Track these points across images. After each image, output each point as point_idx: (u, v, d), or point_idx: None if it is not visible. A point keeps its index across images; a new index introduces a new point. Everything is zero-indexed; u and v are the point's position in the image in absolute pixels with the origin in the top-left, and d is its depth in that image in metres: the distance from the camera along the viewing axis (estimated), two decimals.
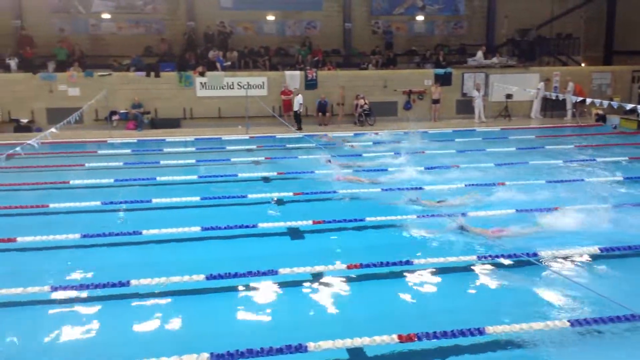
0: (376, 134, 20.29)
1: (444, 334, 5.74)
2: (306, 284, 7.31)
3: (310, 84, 23.30)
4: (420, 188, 11.69)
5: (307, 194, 11.59)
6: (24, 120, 21.31)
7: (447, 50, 27.11)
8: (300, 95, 22.08)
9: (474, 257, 7.96)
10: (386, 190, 11.77)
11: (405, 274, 7.60)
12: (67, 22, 24.58)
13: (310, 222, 9.62)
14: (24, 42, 23.04)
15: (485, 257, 7.95)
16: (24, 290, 6.82)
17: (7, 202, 10.89)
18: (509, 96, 23.69)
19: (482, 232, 8.92)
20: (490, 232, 8.92)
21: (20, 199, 11.31)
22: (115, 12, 24.97)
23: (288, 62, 25.11)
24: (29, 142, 12.07)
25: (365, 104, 22.86)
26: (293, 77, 23.16)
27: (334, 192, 11.72)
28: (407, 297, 7.09)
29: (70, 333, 6.15)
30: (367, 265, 7.61)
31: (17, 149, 11.45)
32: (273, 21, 26.51)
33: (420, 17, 27.87)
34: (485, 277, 7.55)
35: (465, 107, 24.41)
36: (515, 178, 12.64)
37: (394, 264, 7.70)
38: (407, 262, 7.74)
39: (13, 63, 22.14)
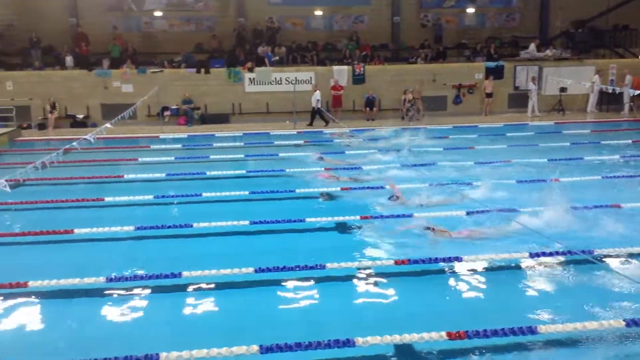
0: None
1: (495, 332, 5.63)
2: (353, 279, 7.30)
3: (357, 79, 23.21)
4: (469, 183, 11.52)
5: (354, 189, 11.56)
6: (80, 116, 22.03)
7: (499, 43, 26.53)
8: (318, 91, 21.90)
9: (524, 254, 7.77)
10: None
11: (454, 270, 7.49)
12: (120, 20, 25.25)
13: (358, 217, 9.60)
14: (79, 40, 23.79)
15: (538, 254, 7.75)
16: (81, 281, 7.06)
17: (65, 195, 11.26)
18: (563, 90, 23.01)
19: (448, 233, 8.63)
20: (458, 233, 8.67)
21: (77, 193, 11.68)
22: (167, 10, 25.48)
23: (336, 57, 25.09)
24: (85, 137, 12.49)
25: (414, 98, 22.62)
26: (340, 72, 23.13)
27: (381, 187, 11.64)
28: (457, 293, 6.99)
29: (123, 323, 6.34)
30: (415, 262, 7.54)
31: (74, 143, 11.87)
32: (321, 16, 26.52)
33: (471, 10, 27.36)
34: (538, 275, 7.37)
35: (517, 101, 23.86)
36: (569, 174, 12.27)
37: (442, 260, 7.60)
38: (457, 259, 7.63)
39: (69, 60, 22.90)
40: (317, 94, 21.76)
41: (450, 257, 7.65)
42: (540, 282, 7.23)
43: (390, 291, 7.05)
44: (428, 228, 8.62)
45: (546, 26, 27.15)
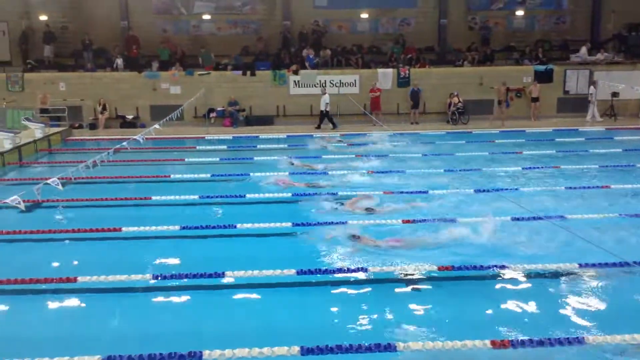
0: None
1: (541, 342, 5.49)
2: (396, 284, 7.24)
3: (402, 82, 23.08)
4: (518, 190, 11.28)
5: (398, 192, 11.48)
6: (129, 117, 22.60)
7: (548, 46, 25.92)
8: (327, 94, 21.81)
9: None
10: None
11: (500, 276, 7.35)
12: (169, 24, 25.78)
13: (400, 221, 9.53)
14: (130, 43, 24.41)
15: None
16: (128, 278, 7.23)
17: (114, 193, 11.57)
18: (614, 94, 22.31)
19: (375, 243, 8.44)
20: (384, 242, 8.45)
21: (126, 191, 11.97)
22: (215, 13, 25.88)
23: (381, 59, 24.99)
24: (134, 137, 12.80)
25: (460, 102, 22.32)
26: (385, 75, 23.04)
27: (427, 192, 11.51)
28: (500, 302, 6.86)
29: (167, 320, 6.45)
30: (459, 268, 7.43)
31: (124, 143, 12.19)
32: (367, 19, 26.46)
33: (520, 12, 26.82)
34: (590, 284, 7.17)
35: (567, 105, 23.28)
36: (622, 181, 11.90)
37: (487, 267, 7.46)
38: (502, 267, 7.48)
39: (120, 62, 23.54)
40: (327, 97, 21.70)
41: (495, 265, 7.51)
42: (600, 291, 7.01)
43: (432, 297, 6.97)
44: (354, 236, 8.55)
45: (598, 29, 26.38)
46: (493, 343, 5.44)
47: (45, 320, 6.55)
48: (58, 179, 8.87)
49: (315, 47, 24.63)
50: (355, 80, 23.03)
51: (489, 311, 6.67)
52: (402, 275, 7.41)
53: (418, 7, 26.50)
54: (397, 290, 7.20)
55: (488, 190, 11.47)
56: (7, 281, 7.17)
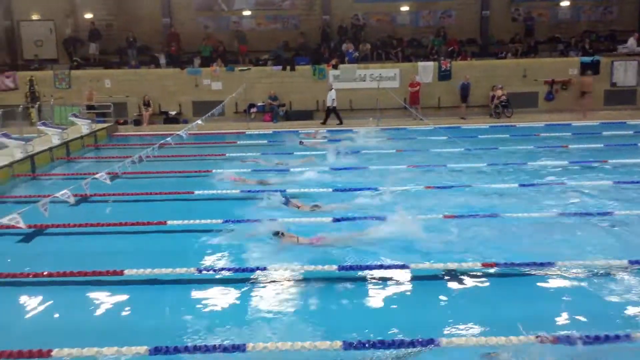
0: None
1: (588, 339, 5.35)
2: (439, 279, 7.18)
3: (444, 75, 22.80)
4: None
5: (438, 188, 11.36)
6: (172, 113, 22.99)
7: (595, 37, 25.17)
8: (333, 90, 21.68)
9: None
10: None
11: (547, 272, 7.21)
12: (211, 20, 26.09)
13: (441, 215, 9.43)
14: (172, 39, 24.81)
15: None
16: (173, 271, 7.37)
17: (158, 188, 11.80)
18: None
19: (296, 239, 8.29)
20: (306, 240, 8.31)
21: (170, 186, 12.19)
22: (255, 9, 26.06)
23: (421, 53, 24.74)
24: (178, 132, 13.02)
25: (503, 95, 21.92)
26: (426, 68, 22.80)
27: (468, 186, 11.36)
28: (544, 297, 6.73)
29: (211, 312, 6.54)
30: (505, 264, 7.31)
31: (168, 139, 12.40)
32: (407, 12, 26.21)
33: (565, 3, 26.14)
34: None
35: (615, 98, 22.58)
36: None
37: (528, 264, 7.32)
38: (550, 264, 7.32)
39: (163, 59, 23.95)
40: (333, 93, 21.58)
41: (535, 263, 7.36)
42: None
43: (474, 293, 6.88)
44: (277, 233, 8.39)
45: None
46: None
47: (93, 311, 6.72)
48: (106, 173, 9.09)
49: (355, 41, 24.55)
50: (395, 74, 22.86)
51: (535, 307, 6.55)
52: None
53: None
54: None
55: (532, 185, 11.24)
56: (57, 274, 7.40)
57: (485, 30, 25.80)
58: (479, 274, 7.27)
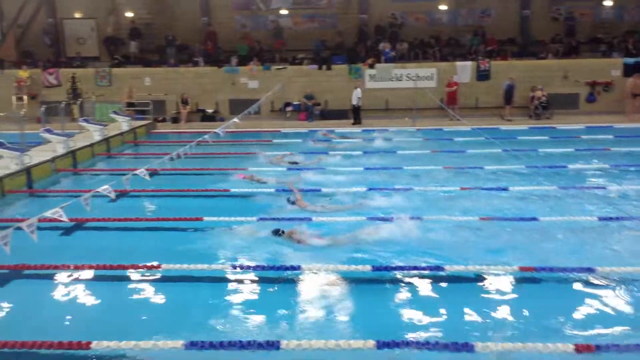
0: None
1: (627, 347, 5.23)
2: (474, 283, 7.09)
3: (482, 75, 22.49)
4: None
5: (475, 189, 11.21)
6: (209, 111, 23.26)
7: (638, 37, 24.46)
8: (359, 89, 21.48)
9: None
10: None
11: (586, 278, 7.05)
12: (248, 19, 26.30)
13: (477, 217, 9.31)
14: (210, 38, 25.11)
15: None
16: (209, 267, 7.47)
17: (195, 185, 11.98)
18: None
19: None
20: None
21: (206, 183, 12.33)
22: (293, 8, 26.16)
23: (459, 52, 24.46)
24: (215, 130, 13.17)
25: (543, 96, 21.50)
26: (464, 68, 22.53)
27: (505, 189, 11.17)
28: (583, 302, 6.59)
29: (245, 309, 6.59)
30: (543, 269, 7.17)
31: (206, 136, 12.56)
32: (445, 11, 25.95)
33: (607, 2, 25.47)
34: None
35: None
36: None
37: (566, 269, 7.17)
38: (589, 270, 7.15)
39: (200, 57, 24.26)
40: (358, 92, 21.42)
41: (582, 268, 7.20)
42: None
43: (510, 298, 6.77)
44: (277, 232, 8.49)
45: None
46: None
47: (130, 305, 6.86)
48: (145, 169, 9.26)
49: (392, 40, 24.41)
50: (432, 74, 22.65)
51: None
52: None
53: None
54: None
55: (572, 188, 11.00)
56: (97, 266, 7.57)
57: (526, 29, 25.35)
58: (516, 277, 7.15)
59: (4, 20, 26.78)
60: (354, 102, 21.52)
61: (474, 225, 9.01)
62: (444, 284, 7.10)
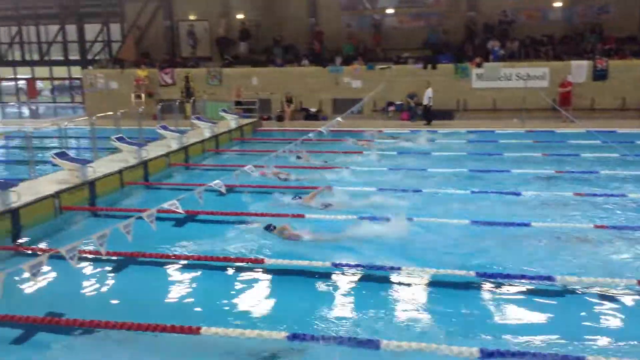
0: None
1: None
2: (581, 292, 6.72)
3: (599, 75, 21.18)
4: None
5: (588, 195, 10.60)
6: (313, 110, 23.62)
7: None
8: (430, 89, 20.70)
9: None
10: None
11: None
12: (353, 19, 26.40)
13: (591, 225, 8.79)
14: (316, 38, 25.48)
15: None
16: (309, 263, 7.60)
17: (299, 182, 12.25)
18: None
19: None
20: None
21: (309, 180, 12.52)
22: (399, 7, 25.94)
23: (574, 51, 23.15)
24: (319, 129, 13.38)
25: None
26: (579, 68, 21.32)
27: (623, 195, 10.47)
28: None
29: (345, 307, 6.66)
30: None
31: (310, 135, 12.80)
32: (560, 7, 24.64)
33: None
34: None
35: None
36: None
37: None
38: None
39: (305, 57, 24.68)
40: (429, 91, 20.76)
41: None
42: None
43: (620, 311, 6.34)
44: (268, 227, 8.80)
45: None
46: None
47: (236, 295, 7.13)
48: (254, 166, 9.62)
49: (502, 38, 23.56)
50: (544, 73, 21.63)
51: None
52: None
53: None
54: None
55: None
56: (205, 257, 7.94)
57: None
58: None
59: (125, 23, 28.74)
60: (425, 101, 21.14)
61: (588, 234, 8.53)
62: (549, 296, 6.77)
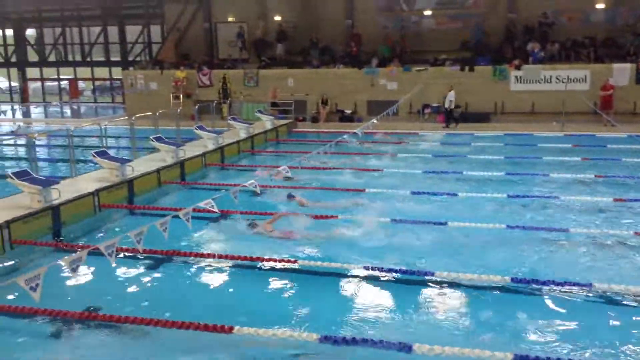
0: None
1: None
2: (619, 301, 6.56)
3: None
4: None
5: (632, 200, 10.33)
6: (348, 111, 23.62)
7: None
8: (452, 91, 20.55)
9: None
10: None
11: None
12: (390, 20, 26.29)
13: (631, 232, 8.56)
14: (353, 40, 25.46)
15: None
16: (341, 265, 7.63)
17: (332, 183, 12.26)
18: None
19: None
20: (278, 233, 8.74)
21: (343, 181, 12.55)
22: (437, 8, 25.74)
23: (616, 53, 22.58)
24: (354, 131, 13.38)
25: None
26: (622, 71, 20.80)
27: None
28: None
29: (379, 310, 6.65)
30: None
31: (345, 136, 12.81)
32: (602, 9, 24.05)
33: None
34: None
35: None
36: None
37: None
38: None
39: (341, 59, 24.70)
40: (451, 94, 20.53)
41: None
42: None
43: None
44: (250, 224, 9.00)
45: None
46: None
47: (269, 294, 7.19)
48: (288, 167, 9.68)
49: (542, 40, 23.14)
50: (585, 76, 21.17)
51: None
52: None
53: None
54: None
55: None
56: (239, 257, 8.02)
57: None
58: None
59: (165, 24, 29.25)
60: (447, 104, 20.97)
61: (627, 241, 8.32)
62: (585, 304, 6.63)
